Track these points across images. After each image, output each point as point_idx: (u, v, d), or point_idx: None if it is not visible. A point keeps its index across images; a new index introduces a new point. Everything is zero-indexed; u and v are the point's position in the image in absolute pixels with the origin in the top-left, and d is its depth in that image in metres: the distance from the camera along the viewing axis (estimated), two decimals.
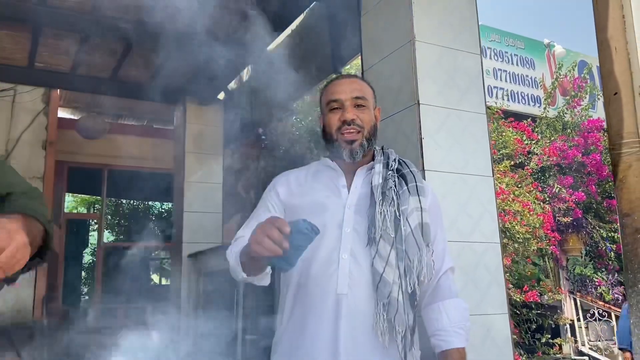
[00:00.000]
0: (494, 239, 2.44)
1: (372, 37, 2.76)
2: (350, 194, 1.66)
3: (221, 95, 5.75)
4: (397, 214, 1.59)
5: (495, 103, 8.60)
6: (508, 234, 5.37)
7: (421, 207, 1.62)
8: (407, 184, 1.65)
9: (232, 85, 5.66)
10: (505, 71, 9.72)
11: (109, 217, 10.84)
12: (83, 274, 10.27)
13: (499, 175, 6.29)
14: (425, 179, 2.31)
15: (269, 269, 1.58)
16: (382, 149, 1.76)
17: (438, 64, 2.50)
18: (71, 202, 12.53)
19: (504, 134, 7.63)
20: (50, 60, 4.92)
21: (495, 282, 2.39)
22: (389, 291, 1.53)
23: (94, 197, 10.60)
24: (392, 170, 1.68)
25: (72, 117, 8.17)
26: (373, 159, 1.72)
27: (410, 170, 1.69)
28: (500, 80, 9.63)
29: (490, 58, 9.59)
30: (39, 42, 4.59)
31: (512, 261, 5.13)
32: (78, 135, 7.32)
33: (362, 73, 2.79)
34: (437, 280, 1.66)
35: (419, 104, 2.38)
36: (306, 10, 4.16)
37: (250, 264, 1.51)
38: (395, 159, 1.72)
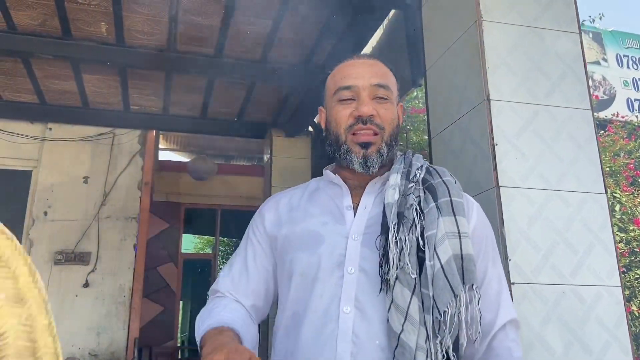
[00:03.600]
0: (612, 281, 1.72)
1: (433, 27, 2.23)
2: (356, 218, 1.16)
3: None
4: (421, 243, 1.06)
5: (637, 117, 7.31)
6: None
7: (459, 232, 1.07)
8: (436, 200, 1.10)
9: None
10: None
11: (224, 256, 11.02)
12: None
13: None
14: (502, 199, 1.70)
15: None
16: (405, 154, 1.24)
17: (516, 49, 1.90)
18: (198, 243, 13.04)
19: None
20: (143, 103, 5.01)
21: (617, 342, 1.66)
22: None
23: (211, 237, 10.86)
24: (416, 181, 1.15)
25: (185, 160, 8.51)
26: None
27: (443, 181, 1.14)
28: None
29: (629, 67, 8.28)
30: (129, 85, 4.68)
31: None
32: (190, 177, 7.53)
33: (425, 73, 2.26)
34: (489, 341, 1.09)
35: (489, 100, 1.80)
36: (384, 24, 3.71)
37: None
38: (421, 167, 1.19)
